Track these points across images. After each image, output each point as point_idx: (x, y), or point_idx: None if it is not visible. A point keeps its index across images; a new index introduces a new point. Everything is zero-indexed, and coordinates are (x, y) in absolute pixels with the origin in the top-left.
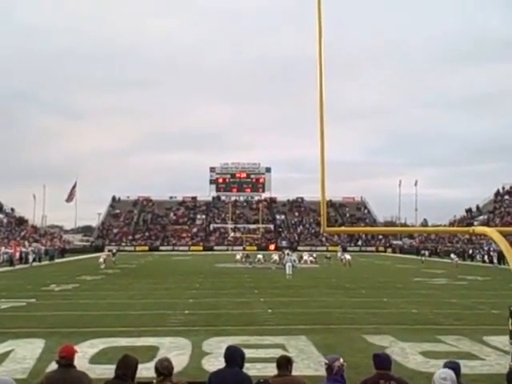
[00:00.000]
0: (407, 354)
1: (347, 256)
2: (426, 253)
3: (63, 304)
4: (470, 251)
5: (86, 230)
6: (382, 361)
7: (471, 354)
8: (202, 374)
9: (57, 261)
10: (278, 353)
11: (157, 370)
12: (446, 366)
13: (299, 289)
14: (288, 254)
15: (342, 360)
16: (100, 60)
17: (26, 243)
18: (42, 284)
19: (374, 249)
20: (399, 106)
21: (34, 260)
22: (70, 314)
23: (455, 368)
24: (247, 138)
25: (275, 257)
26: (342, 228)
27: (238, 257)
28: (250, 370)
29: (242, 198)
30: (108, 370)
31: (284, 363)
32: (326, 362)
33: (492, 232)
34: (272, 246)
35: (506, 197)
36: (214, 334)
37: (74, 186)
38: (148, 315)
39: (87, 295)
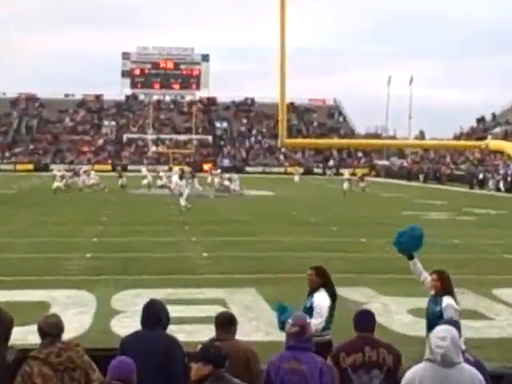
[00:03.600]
0: (391, 313)
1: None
2: (421, 177)
3: None
4: (481, 176)
5: None
6: (365, 320)
7: (476, 313)
8: (111, 339)
9: None
10: (216, 310)
11: (40, 329)
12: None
13: (245, 225)
14: (228, 179)
15: (308, 319)
16: None
17: None
18: None
19: (350, 171)
20: None
21: None
22: None
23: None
24: (175, 16)
25: (214, 180)
26: (307, 140)
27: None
28: (178, 333)
29: (167, 98)
30: None
31: (225, 324)
32: (289, 321)
33: None
34: (208, 167)
35: None
36: (127, 285)
37: None
38: (34, 259)
39: None
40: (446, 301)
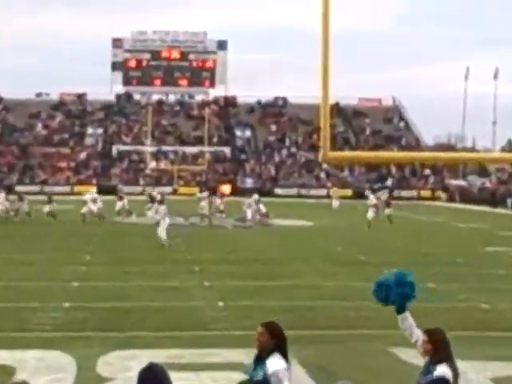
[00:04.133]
0: (471, 383)
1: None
2: (509, 202)
3: None
4: None
5: None
6: None
7: None
8: None
9: None
10: (236, 379)
11: None
12: None
13: (273, 264)
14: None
15: None
16: None
17: None
18: None
19: (414, 194)
20: None
21: None
22: None
23: None
24: None
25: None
26: (357, 153)
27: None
28: None
29: (172, 98)
30: None
31: None
32: None
33: None
34: (226, 188)
35: None
36: (118, 344)
37: None
38: None
39: None
40: (439, 370)
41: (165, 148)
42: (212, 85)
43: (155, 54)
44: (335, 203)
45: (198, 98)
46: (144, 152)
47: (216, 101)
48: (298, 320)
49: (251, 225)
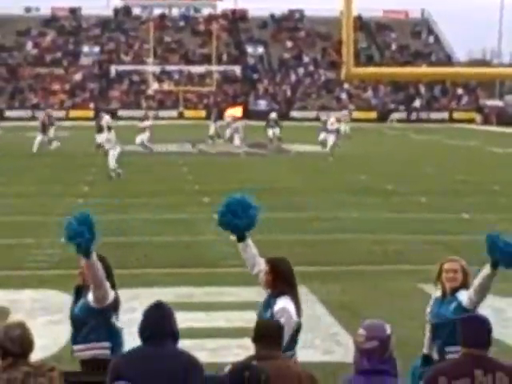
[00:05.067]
0: (509, 321)
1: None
2: None
3: None
4: None
5: None
6: (478, 331)
7: None
8: None
9: None
10: (249, 318)
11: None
12: None
13: (290, 194)
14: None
15: (389, 330)
16: None
17: None
18: None
19: (446, 116)
20: None
21: None
22: None
23: None
24: None
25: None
26: (382, 69)
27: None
28: (196, 352)
29: (175, 12)
30: None
31: (268, 335)
32: (361, 333)
33: None
34: (237, 111)
35: None
36: (121, 283)
37: None
38: None
39: None
40: (279, 303)
41: (168, 67)
42: None
43: None
44: (344, 127)
45: (205, 11)
46: (145, 72)
47: (224, 15)
48: (318, 255)
49: (266, 152)
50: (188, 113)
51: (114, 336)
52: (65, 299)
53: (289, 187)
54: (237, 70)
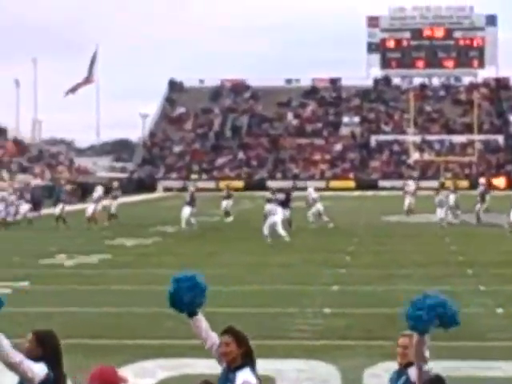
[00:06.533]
0: None
1: None
2: None
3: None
4: None
5: (117, 149)
6: None
7: None
8: None
9: (70, 209)
10: None
11: None
12: None
13: None
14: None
15: None
16: None
17: (5, 175)
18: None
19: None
20: None
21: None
22: (97, 314)
23: None
24: None
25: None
26: None
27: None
28: None
29: (436, 82)
30: None
31: None
32: None
33: None
34: (500, 180)
35: None
36: (384, 354)
37: (91, 63)
38: (247, 315)
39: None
40: (241, 377)
41: (429, 137)
42: (481, 65)
43: (416, 33)
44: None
45: (466, 80)
46: (406, 142)
47: (486, 83)
48: None
49: None
50: (449, 182)
51: None
52: (330, 370)
53: None
54: (499, 138)
